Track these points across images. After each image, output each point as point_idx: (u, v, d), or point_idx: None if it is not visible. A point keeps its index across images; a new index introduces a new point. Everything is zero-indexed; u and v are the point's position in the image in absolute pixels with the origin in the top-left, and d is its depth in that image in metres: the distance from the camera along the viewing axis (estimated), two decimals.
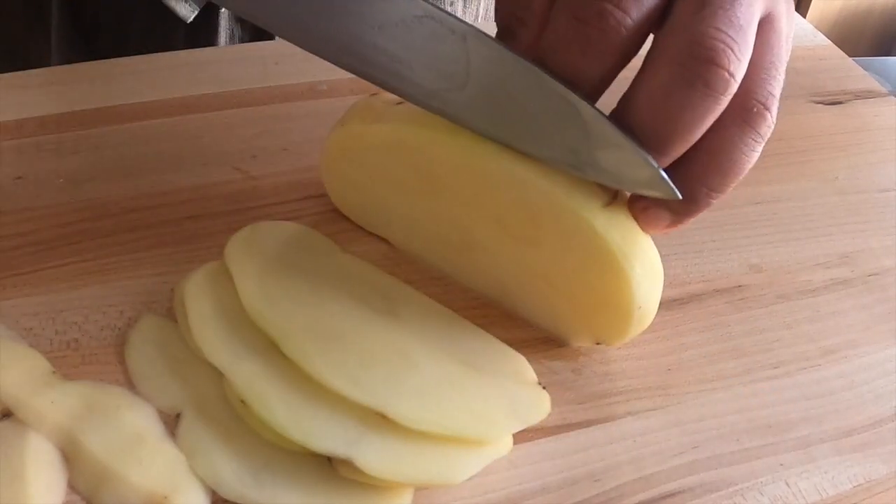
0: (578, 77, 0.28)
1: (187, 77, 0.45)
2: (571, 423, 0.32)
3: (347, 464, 0.28)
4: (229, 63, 0.46)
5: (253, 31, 0.52)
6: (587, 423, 0.32)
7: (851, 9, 1.55)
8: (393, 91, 0.30)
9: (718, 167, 0.29)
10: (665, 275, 0.32)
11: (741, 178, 0.29)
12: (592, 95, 0.28)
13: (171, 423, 0.30)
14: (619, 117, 0.28)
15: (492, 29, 0.30)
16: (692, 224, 0.31)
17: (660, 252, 0.31)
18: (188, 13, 0.48)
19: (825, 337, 0.36)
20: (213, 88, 0.44)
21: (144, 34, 0.52)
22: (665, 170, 0.28)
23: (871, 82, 0.52)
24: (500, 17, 0.30)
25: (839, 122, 0.48)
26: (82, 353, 0.32)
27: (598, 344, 0.34)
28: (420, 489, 0.29)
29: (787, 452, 0.32)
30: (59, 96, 0.43)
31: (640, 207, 0.30)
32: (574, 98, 0.28)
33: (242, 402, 0.29)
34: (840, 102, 0.50)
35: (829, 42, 0.55)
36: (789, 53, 0.30)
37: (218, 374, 0.30)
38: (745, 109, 0.28)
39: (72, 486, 0.28)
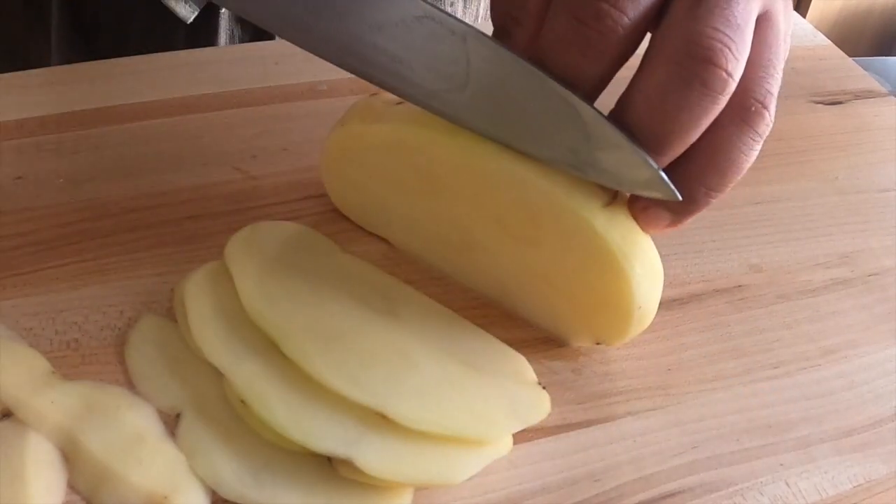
0: (577, 77, 0.28)
1: (187, 77, 0.45)
2: (571, 423, 0.32)
3: (347, 464, 0.28)
4: (229, 63, 0.46)
5: (253, 32, 0.52)
6: (587, 423, 0.32)
7: (851, 9, 1.55)
8: (393, 91, 0.30)
9: (717, 166, 0.29)
10: (665, 275, 0.32)
11: (740, 177, 0.29)
12: (591, 95, 0.28)
13: (171, 423, 0.30)
14: (618, 117, 0.28)
15: (491, 29, 0.30)
16: (692, 224, 0.31)
17: (660, 252, 0.31)
18: (188, 14, 0.48)
19: (825, 337, 0.36)
20: (213, 88, 0.44)
21: (144, 34, 0.52)
22: (664, 169, 0.28)
23: (871, 82, 0.52)
24: (495, 17, 0.30)
25: (839, 122, 0.48)
26: (82, 353, 0.32)
27: (598, 344, 0.34)
28: (420, 489, 0.29)
29: (787, 452, 0.32)
30: (59, 96, 0.43)
31: (640, 207, 0.30)
32: (574, 99, 0.28)
33: (242, 402, 0.29)
34: (840, 102, 0.50)
35: (828, 42, 0.55)
36: (787, 52, 0.30)
37: (218, 374, 0.30)
38: (743, 108, 0.28)
39: (72, 486, 0.28)
